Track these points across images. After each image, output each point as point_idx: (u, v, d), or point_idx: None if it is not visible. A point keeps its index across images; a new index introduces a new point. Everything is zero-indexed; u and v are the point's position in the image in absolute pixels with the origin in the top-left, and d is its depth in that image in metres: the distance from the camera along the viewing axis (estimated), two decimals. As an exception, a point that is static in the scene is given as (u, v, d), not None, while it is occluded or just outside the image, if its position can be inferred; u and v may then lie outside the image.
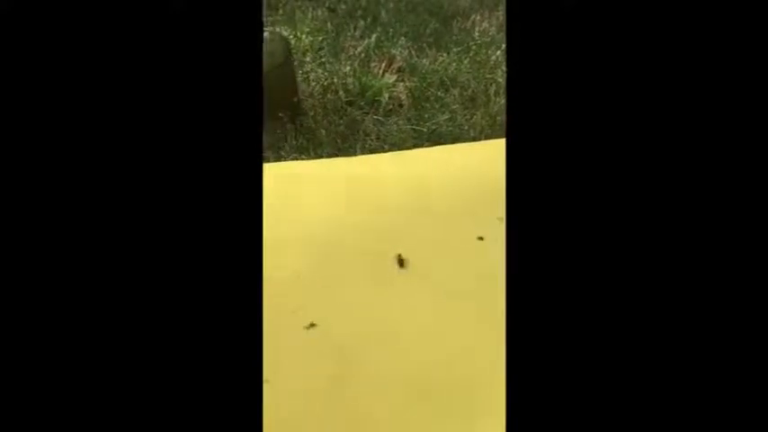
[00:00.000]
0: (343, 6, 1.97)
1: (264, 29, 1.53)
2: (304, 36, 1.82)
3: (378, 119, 1.58)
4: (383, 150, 1.46)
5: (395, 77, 1.69)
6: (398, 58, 1.77)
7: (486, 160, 1.18)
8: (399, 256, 0.97)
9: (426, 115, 1.58)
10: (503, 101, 1.62)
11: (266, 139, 1.42)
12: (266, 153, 1.42)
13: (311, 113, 1.58)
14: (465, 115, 1.58)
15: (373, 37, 1.82)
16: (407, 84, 1.69)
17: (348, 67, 1.72)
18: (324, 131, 1.51)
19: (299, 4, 1.97)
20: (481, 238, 0.99)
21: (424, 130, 1.53)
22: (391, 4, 1.99)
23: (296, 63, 1.67)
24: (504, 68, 1.73)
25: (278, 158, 1.41)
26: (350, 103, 1.62)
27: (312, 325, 0.87)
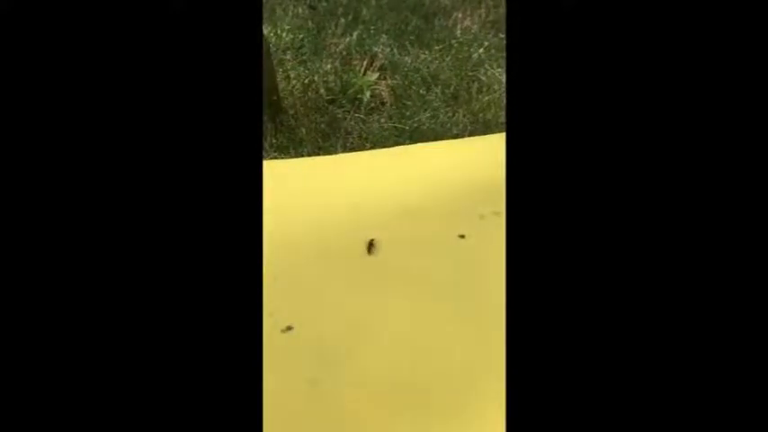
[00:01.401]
0: (324, 4, 1.95)
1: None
2: (284, 34, 1.80)
3: (359, 117, 1.56)
4: (365, 148, 1.45)
5: (377, 75, 1.68)
6: (380, 55, 1.75)
7: (469, 157, 1.17)
8: (371, 241, 0.96)
9: (408, 113, 1.56)
10: (485, 98, 1.61)
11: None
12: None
13: (291, 112, 1.56)
14: (447, 113, 1.57)
15: (354, 35, 1.81)
16: (389, 82, 1.67)
17: (329, 65, 1.70)
18: (304, 130, 1.50)
19: (280, 1, 1.95)
20: (462, 236, 0.98)
21: (407, 127, 1.52)
22: (373, 2, 1.97)
23: (276, 61, 1.65)
24: (486, 66, 1.72)
25: (257, 158, 1.39)
26: (331, 102, 1.60)
27: (289, 328, 0.86)
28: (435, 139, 1.46)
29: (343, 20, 1.87)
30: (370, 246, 0.96)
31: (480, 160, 1.11)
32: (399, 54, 1.76)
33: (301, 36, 1.80)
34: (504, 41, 1.68)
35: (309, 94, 1.61)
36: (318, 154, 1.43)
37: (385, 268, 0.93)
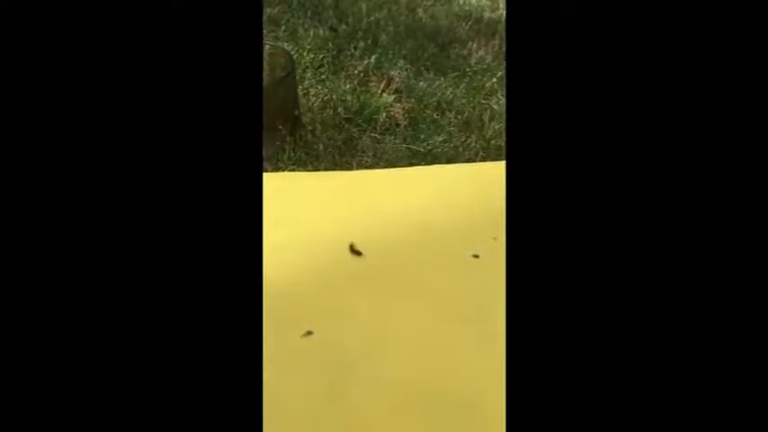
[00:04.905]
0: (345, 27, 2.00)
1: (267, 43, 1.55)
2: (305, 53, 1.85)
3: (375, 136, 1.61)
4: (379, 167, 1.49)
5: (393, 98, 1.73)
6: (397, 79, 1.80)
7: (482, 181, 1.20)
8: (352, 245, 0.99)
9: (422, 136, 1.61)
10: (497, 126, 1.66)
11: (265, 151, 1.44)
12: (264, 164, 1.43)
13: (310, 128, 1.60)
14: (460, 138, 1.62)
15: (373, 58, 1.86)
16: (405, 104, 1.73)
17: (348, 85, 1.75)
18: (322, 146, 1.54)
19: (302, 21, 2.01)
20: (476, 256, 1.01)
21: (420, 149, 1.57)
22: (391, 28, 2.03)
23: (296, 78, 1.70)
24: (499, 95, 1.77)
25: (276, 170, 1.43)
26: (348, 120, 1.65)
27: (309, 333, 0.88)
28: (448, 162, 1.51)
29: (362, 43, 1.93)
30: (352, 250, 0.99)
31: (495, 184, 1.15)
32: (415, 79, 1.82)
33: (321, 56, 1.85)
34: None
35: (328, 111, 1.66)
36: (334, 170, 1.47)
37: (402, 280, 0.96)
